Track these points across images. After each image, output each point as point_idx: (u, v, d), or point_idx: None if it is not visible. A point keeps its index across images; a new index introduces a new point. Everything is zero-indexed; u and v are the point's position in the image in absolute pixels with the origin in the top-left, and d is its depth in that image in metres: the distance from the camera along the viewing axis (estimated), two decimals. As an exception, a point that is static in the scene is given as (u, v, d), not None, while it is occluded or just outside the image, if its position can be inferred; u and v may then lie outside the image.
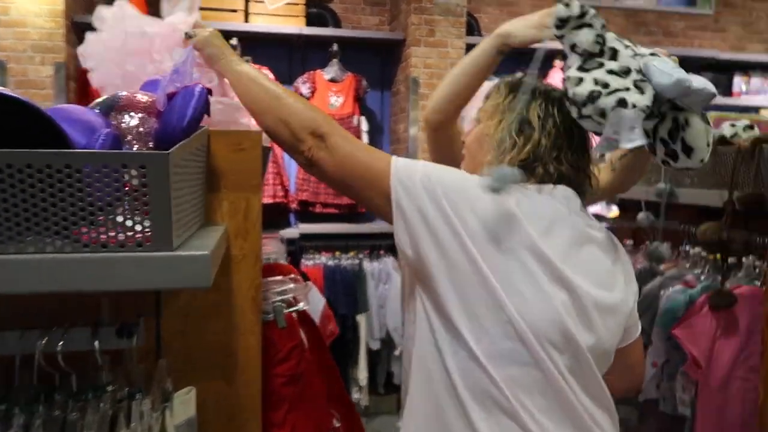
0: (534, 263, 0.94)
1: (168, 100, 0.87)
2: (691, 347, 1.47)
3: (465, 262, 0.93)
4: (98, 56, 1.13)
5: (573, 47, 0.99)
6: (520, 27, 1.13)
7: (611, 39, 0.99)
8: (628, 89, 0.94)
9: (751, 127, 1.72)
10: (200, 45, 1.12)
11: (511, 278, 0.93)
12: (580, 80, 0.96)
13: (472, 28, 3.98)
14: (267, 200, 3.41)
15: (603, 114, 0.94)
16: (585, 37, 0.98)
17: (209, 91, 0.94)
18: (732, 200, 1.37)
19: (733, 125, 1.72)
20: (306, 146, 1.01)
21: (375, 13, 4.13)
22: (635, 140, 0.93)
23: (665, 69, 0.95)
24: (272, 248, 2.10)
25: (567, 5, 0.99)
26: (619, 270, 1.07)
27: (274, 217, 3.62)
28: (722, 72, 4.46)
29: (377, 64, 4.03)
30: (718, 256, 1.74)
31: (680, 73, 0.94)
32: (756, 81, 4.48)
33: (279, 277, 1.44)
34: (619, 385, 1.10)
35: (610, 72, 0.96)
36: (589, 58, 0.98)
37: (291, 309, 1.30)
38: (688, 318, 1.52)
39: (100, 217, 0.68)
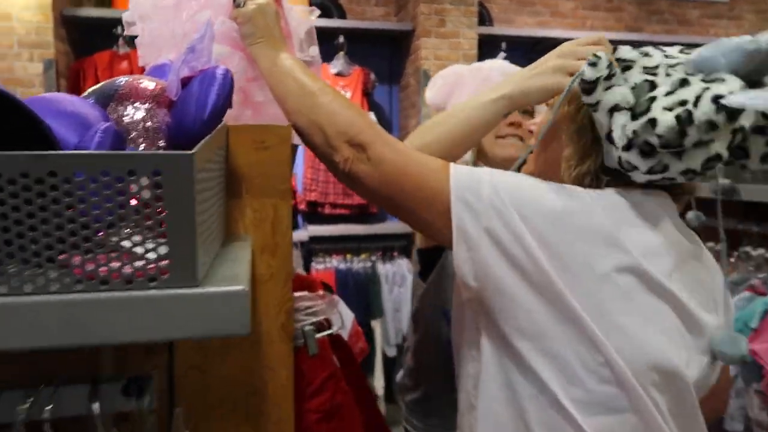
0: (636, 287, 0.76)
1: (182, 87, 0.69)
2: (772, 364, 1.30)
3: (549, 296, 0.76)
4: (146, 17, 0.93)
5: (614, 109, 0.80)
6: (530, 85, 0.94)
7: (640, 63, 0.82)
8: (707, 88, 0.75)
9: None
10: (241, 18, 0.95)
11: (606, 310, 0.75)
12: (651, 122, 0.76)
13: (484, 18, 3.80)
14: (273, 202, 3.23)
15: (713, 125, 0.73)
16: (622, 96, 0.79)
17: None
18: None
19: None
20: (341, 157, 0.84)
21: (381, 3, 3.94)
22: None
23: (721, 47, 0.76)
24: (287, 256, 1.92)
25: (594, 64, 0.80)
26: (717, 286, 0.89)
27: (280, 219, 3.44)
28: (741, 60, 4.29)
29: (385, 57, 3.85)
30: (788, 258, 1.57)
31: (736, 44, 0.75)
32: (775, 69, 4.30)
33: (305, 293, 1.26)
34: (705, 409, 0.93)
35: (668, 93, 0.76)
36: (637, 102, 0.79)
37: (323, 333, 1.11)
38: (766, 330, 1.34)
39: (99, 243, 0.50)
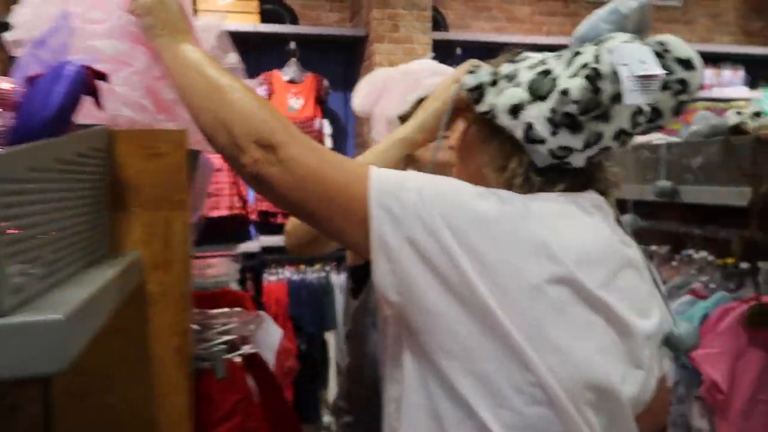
0: (569, 299, 0.72)
1: (30, 86, 0.61)
2: (711, 370, 1.27)
3: (476, 311, 0.70)
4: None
5: (516, 109, 0.79)
6: (424, 117, 0.99)
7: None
8: (601, 45, 0.76)
9: (758, 114, 1.53)
10: (139, 10, 0.88)
11: (538, 325, 0.70)
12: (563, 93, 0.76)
13: (439, 23, 3.77)
14: (223, 212, 3.13)
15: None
16: (518, 95, 0.79)
17: (98, 75, 0.67)
18: (759, 197, 1.17)
19: (739, 113, 1.52)
20: (248, 158, 0.76)
21: (335, 9, 3.89)
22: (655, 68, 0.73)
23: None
24: (222, 269, 1.84)
25: (473, 71, 0.82)
26: (653, 290, 0.86)
27: (232, 230, 3.34)
28: (693, 64, 4.35)
29: (339, 63, 3.79)
30: (728, 260, 1.55)
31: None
32: (726, 73, 4.39)
33: (224, 310, 1.18)
34: (643, 425, 0.89)
35: (567, 67, 0.78)
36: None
37: (234, 353, 1.04)
38: (704, 335, 1.31)
39: None
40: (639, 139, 1.84)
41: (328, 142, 3.54)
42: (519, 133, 0.79)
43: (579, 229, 0.77)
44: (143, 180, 0.84)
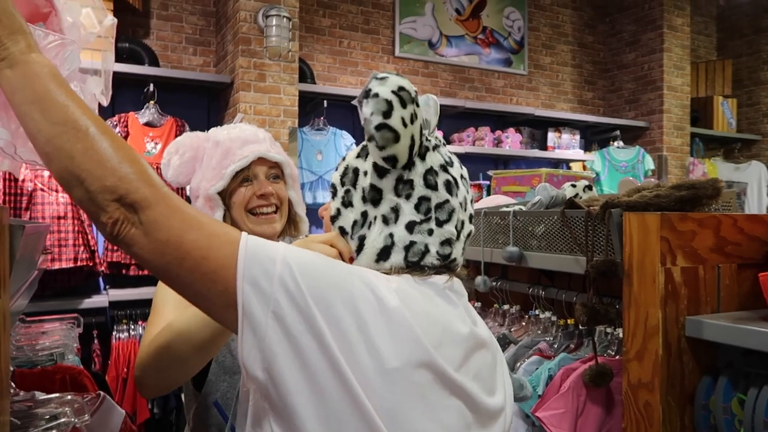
0: (431, 384, 0.73)
1: None
2: (556, 431, 1.35)
3: (339, 391, 0.68)
4: None
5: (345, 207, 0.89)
6: None
7: None
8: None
9: (590, 187, 1.71)
10: None
11: (400, 410, 0.70)
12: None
13: (305, 75, 3.82)
14: (67, 264, 2.84)
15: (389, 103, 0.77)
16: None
17: None
18: (592, 267, 1.28)
19: (573, 185, 1.69)
20: (108, 217, 0.68)
21: (199, 53, 3.79)
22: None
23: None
24: (57, 337, 1.65)
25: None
26: (498, 366, 0.90)
27: (78, 283, 3.04)
28: (538, 128, 4.81)
29: (202, 108, 3.69)
30: (569, 321, 1.68)
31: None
32: (566, 136, 4.89)
33: (54, 395, 1.06)
34: None
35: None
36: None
37: (63, 450, 0.92)
38: (549, 397, 1.40)
39: None
40: (488, 205, 1.96)
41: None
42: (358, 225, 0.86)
43: (437, 313, 0.79)
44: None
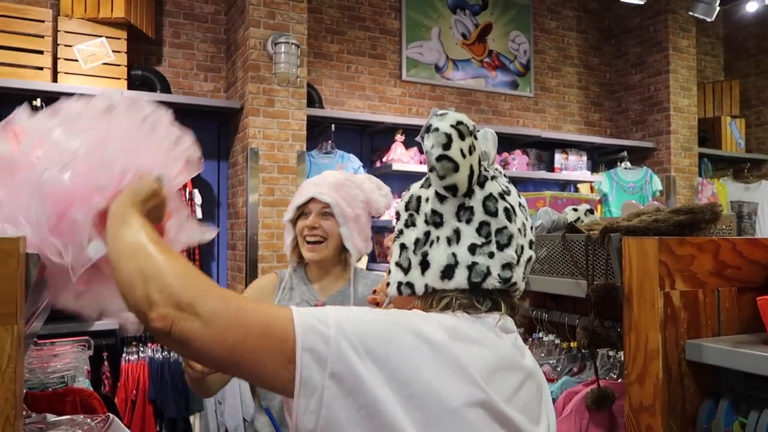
0: (485, 421, 0.75)
1: None
2: (558, 454, 1.35)
3: None
4: None
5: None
6: None
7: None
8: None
9: (591, 211, 1.73)
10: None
11: None
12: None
13: (313, 99, 3.89)
14: (77, 287, 2.88)
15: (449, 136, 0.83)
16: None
17: None
18: (593, 291, 1.30)
19: (575, 209, 1.71)
20: (157, 313, 0.72)
21: (210, 79, 3.88)
22: None
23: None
24: (68, 359, 1.68)
25: None
26: (543, 395, 0.92)
27: (87, 305, 3.07)
28: (545, 149, 4.83)
29: (212, 132, 3.75)
30: (573, 344, 1.69)
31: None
32: (573, 158, 4.90)
33: (64, 417, 1.08)
34: None
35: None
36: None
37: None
38: (552, 419, 1.41)
39: None
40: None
41: (198, 212, 3.44)
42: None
43: (488, 346, 0.81)
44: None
